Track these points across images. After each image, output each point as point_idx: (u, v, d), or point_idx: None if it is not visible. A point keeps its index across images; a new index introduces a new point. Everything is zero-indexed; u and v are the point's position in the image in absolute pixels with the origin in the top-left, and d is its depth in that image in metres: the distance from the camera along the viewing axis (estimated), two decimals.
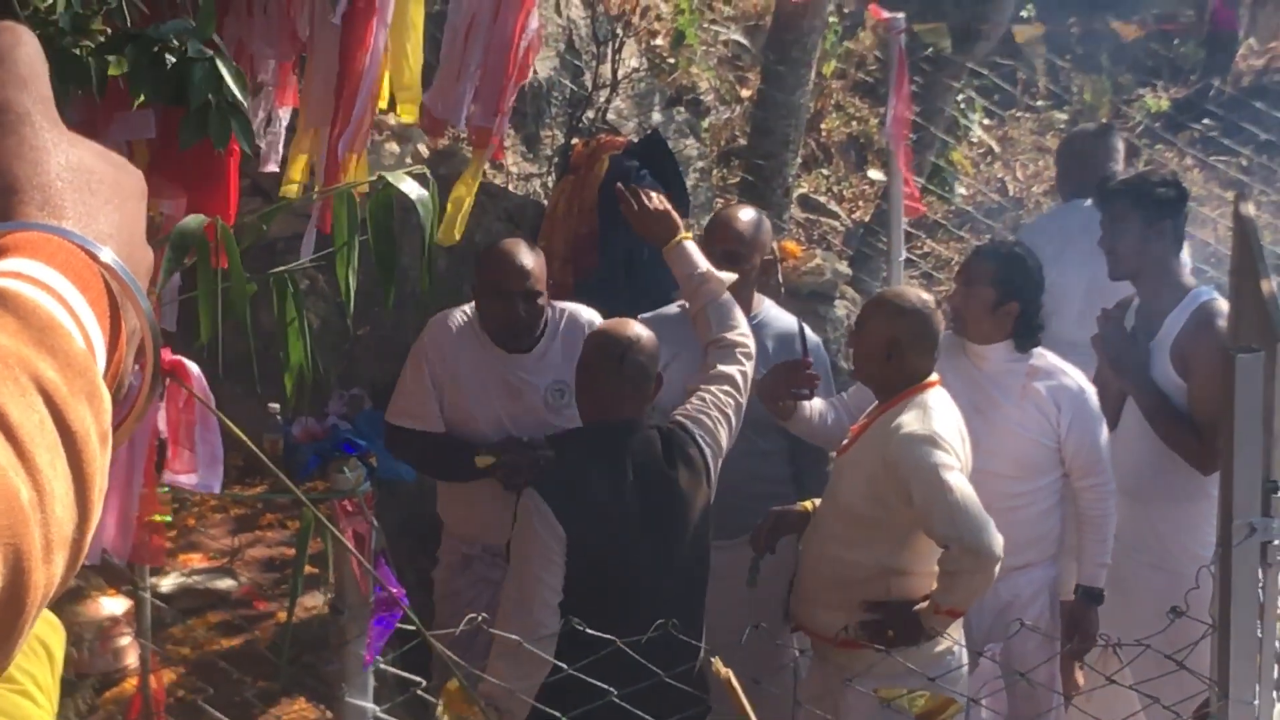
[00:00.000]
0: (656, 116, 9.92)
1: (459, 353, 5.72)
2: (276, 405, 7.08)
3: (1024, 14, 12.89)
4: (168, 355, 3.69)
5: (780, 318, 6.12)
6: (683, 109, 10.56)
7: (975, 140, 12.81)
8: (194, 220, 3.14)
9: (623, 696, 3.95)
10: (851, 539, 5.24)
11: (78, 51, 3.54)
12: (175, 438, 4.22)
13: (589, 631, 3.91)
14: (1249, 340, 3.79)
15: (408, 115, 5.31)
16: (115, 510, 4.16)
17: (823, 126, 12.22)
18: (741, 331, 5.32)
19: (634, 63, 9.94)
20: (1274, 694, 3.90)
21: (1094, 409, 5.77)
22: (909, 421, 5.15)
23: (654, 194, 5.52)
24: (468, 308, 5.84)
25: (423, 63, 5.21)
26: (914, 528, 5.13)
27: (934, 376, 5.31)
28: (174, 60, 3.52)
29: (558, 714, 4.05)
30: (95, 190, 1.05)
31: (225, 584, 6.50)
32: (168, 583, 6.32)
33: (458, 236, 5.61)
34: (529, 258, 5.64)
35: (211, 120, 3.57)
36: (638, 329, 5.09)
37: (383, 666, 3.98)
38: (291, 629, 5.42)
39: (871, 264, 10.05)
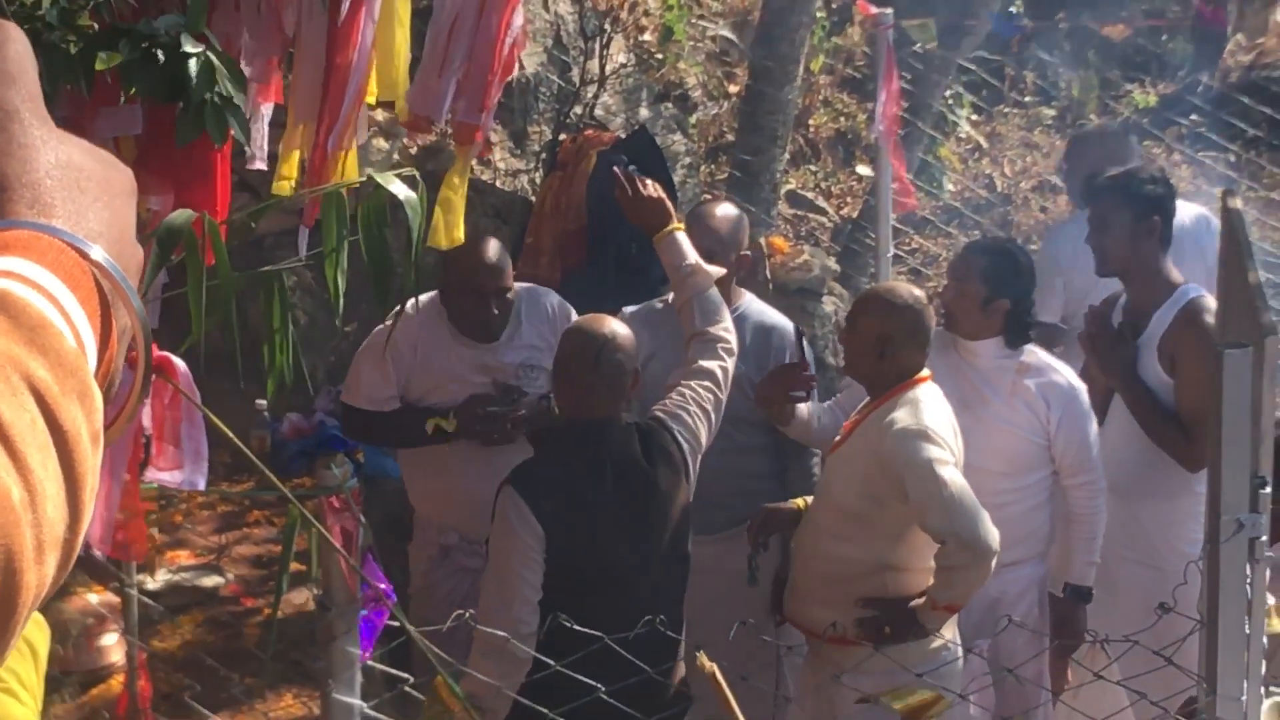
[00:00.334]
0: (644, 112, 9.91)
1: (429, 341, 5.76)
2: (264, 402, 7.08)
3: (1012, 9, 12.90)
4: (154, 352, 3.68)
5: (760, 311, 6.12)
6: (670, 105, 10.55)
7: (963, 136, 12.82)
8: (180, 215, 3.12)
9: (604, 693, 3.95)
10: (845, 535, 5.24)
11: (65, 46, 3.53)
12: (160, 434, 4.22)
13: (576, 629, 3.91)
14: (1237, 335, 3.79)
15: (400, 114, 5.30)
16: (99, 505, 4.16)
17: (811, 122, 12.23)
18: (725, 327, 5.31)
19: (622, 58, 9.94)
20: (1261, 689, 3.90)
21: (1084, 407, 5.77)
22: (902, 417, 5.15)
23: (649, 181, 5.53)
24: (428, 296, 5.82)
25: (409, 58, 5.20)
26: (909, 523, 5.14)
27: (925, 372, 5.31)
28: (165, 56, 3.51)
29: (542, 710, 4.05)
30: (85, 188, 1.04)
31: (212, 581, 6.50)
32: (154, 580, 6.31)
33: (460, 238, 5.62)
34: (496, 254, 5.71)
35: (208, 116, 3.57)
36: (614, 326, 5.09)
37: (369, 663, 3.98)
38: (278, 625, 5.42)
39: (859, 260, 10.05)
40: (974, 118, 12.92)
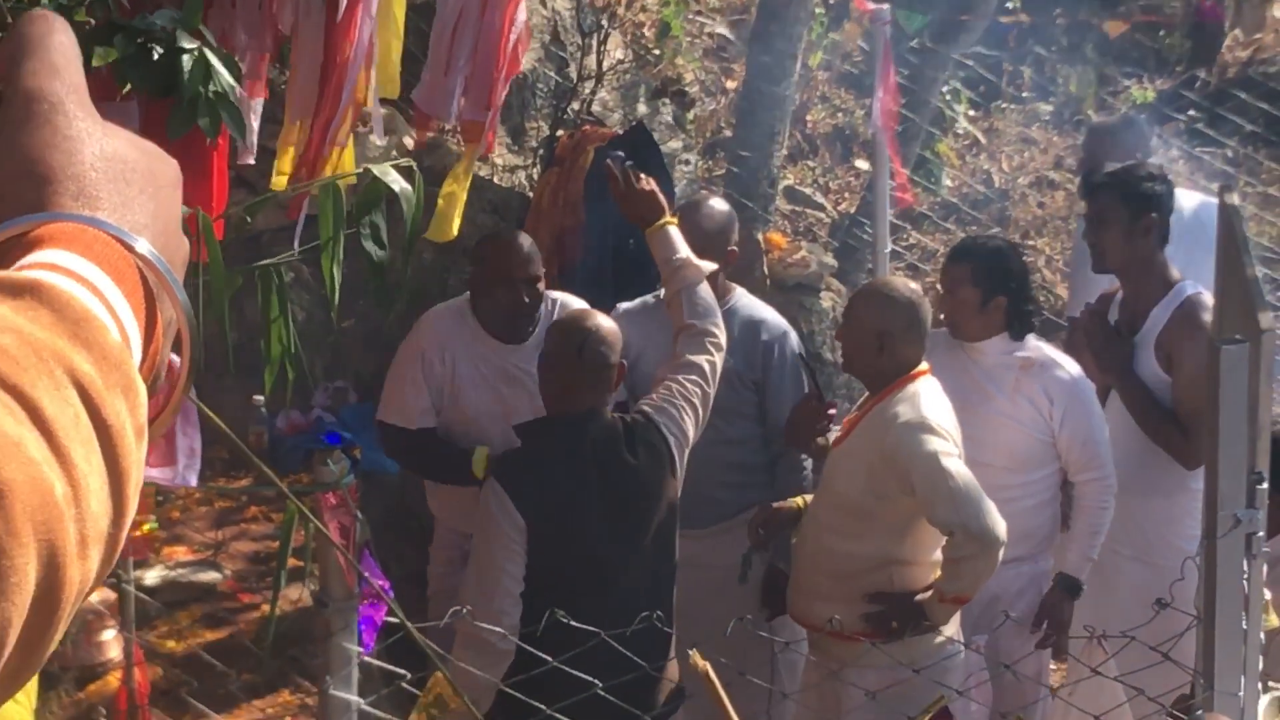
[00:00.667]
0: (642, 108, 9.91)
1: (455, 346, 5.73)
2: (261, 398, 7.07)
3: (1009, 5, 12.89)
4: None
5: (750, 306, 6.12)
6: (668, 101, 10.54)
7: (961, 132, 12.81)
8: None
9: (589, 686, 3.96)
10: (849, 530, 5.25)
11: None
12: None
13: (561, 624, 3.92)
14: (1233, 332, 3.79)
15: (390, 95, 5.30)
16: None
17: (808, 118, 12.22)
18: (714, 321, 5.31)
19: (619, 54, 9.94)
20: (1259, 685, 3.90)
21: (1088, 402, 5.76)
22: (904, 411, 5.16)
23: (642, 174, 5.53)
24: (457, 302, 5.85)
25: (402, 54, 5.21)
26: (914, 517, 5.14)
27: (924, 365, 5.32)
28: (161, 51, 3.51)
29: (526, 705, 4.06)
30: (130, 180, 1.03)
31: (209, 577, 6.50)
32: (152, 576, 6.31)
33: (454, 233, 5.61)
34: (527, 244, 5.68)
35: (202, 111, 3.57)
36: (598, 320, 5.11)
37: (366, 659, 3.98)
38: (276, 622, 5.42)
39: (857, 255, 10.04)
40: (972, 113, 12.91)
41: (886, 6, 8.41)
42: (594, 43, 9.30)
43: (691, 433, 5.16)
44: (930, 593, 5.13)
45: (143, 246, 1.00)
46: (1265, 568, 3.92)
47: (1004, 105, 13.13)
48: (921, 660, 4.78)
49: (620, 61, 9.85)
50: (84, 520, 0.87)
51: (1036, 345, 5.81)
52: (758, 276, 8.29)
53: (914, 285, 5.52)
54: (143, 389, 0.95)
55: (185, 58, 3.52)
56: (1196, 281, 5.89)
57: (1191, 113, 12.68)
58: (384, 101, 5.78)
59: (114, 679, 5.48)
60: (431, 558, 6.05)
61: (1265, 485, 3.74)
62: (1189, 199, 6.46)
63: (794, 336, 6.15)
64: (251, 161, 5.07)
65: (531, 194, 8.17)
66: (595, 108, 9.22)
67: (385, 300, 3.66)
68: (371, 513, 6.38)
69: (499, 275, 5.64)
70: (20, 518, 0.82)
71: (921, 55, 10.57)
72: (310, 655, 5.37)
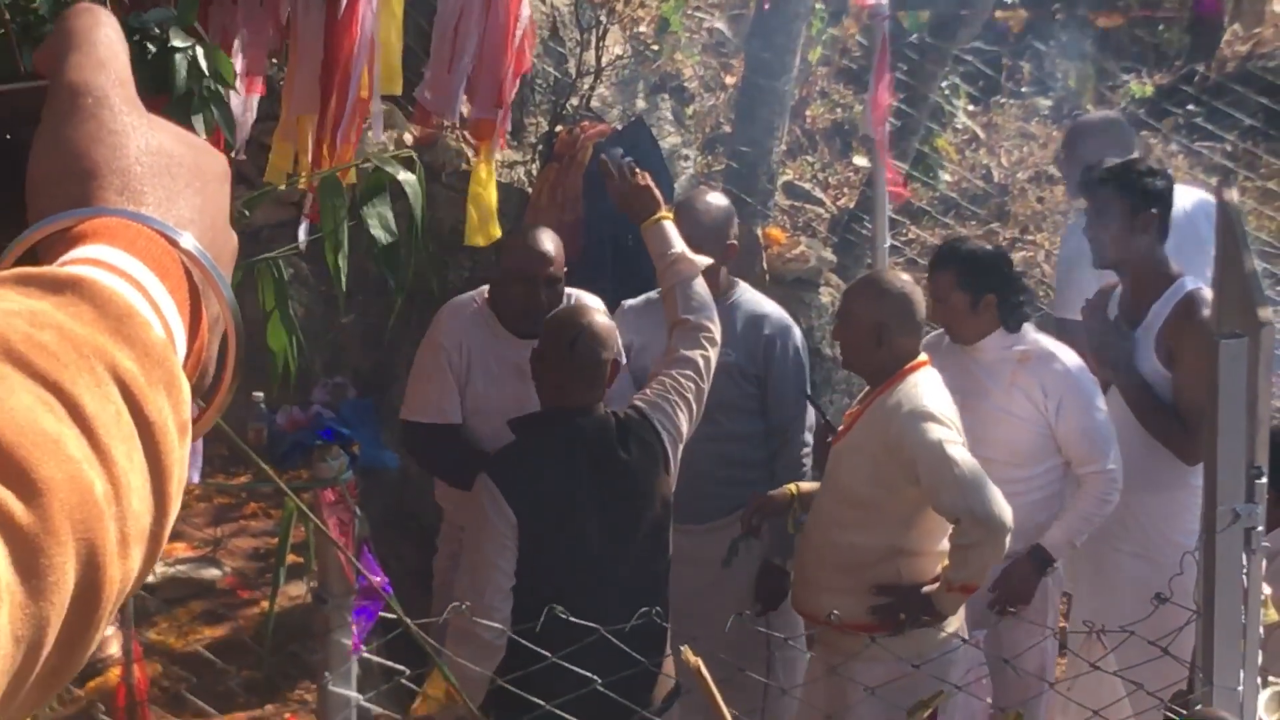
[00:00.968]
0: (641, 104, 9.91)
1: (472, 339, 5.72)
2: (261, 394, 7.07)
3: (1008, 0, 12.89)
4: None
5: (753, 301, 6.13)
6: (667, 96, 10.54)
7: (960, 127, 12.80)
8: None
9: (583, 681, 3.96)
10: (855, 523, 5.25)
11: None
12: None
13: (551, 619, 3.92)
14: (1233, 326, 3.79)
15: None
16: None
17: (807, 113, 12.21)
18: (708, 315, 5.32)
19: (618, 50, 9.93)
20: (1258, 680, 3.90)
21: (1086, 393, 5.74)
22: (906, 401, 5.18)
23: (637, 169, 5.53)
24: (476, 295, 5.84)
25: (401, 49, 5.20)
26: (920, 508, 5.15)
27: (923, 357, 5.33)
28: (155, 49, 3.51)
29: (519, 695, 4.06)
30: (175, 174, 1.03)
31: (209, 573, 6.50)
32: (152, 572, 6.30)
33: (497, 233, 5.61)
34: (551, 244, 5.66)
35: (195, 109, 3.56)
36: (591, 316, 5.12)
37: (366, 655, 3.98)
38: (275, 618, 5.42)
39: (856, 251, 10.04)
40: (971, 108, 12.90)
41: (885, 1, 8.40)
42: (593, 38, 9.29)
43: (685, 428, 5.16)
44: (938, 584, 5.14)
45: (187, 242, 0.99)
46: (1264, 562, 3.92)
47: (1003, 100, 13.13)
48: (926, 654, 4.78)
49: (619, 57, 9.85)
50: (125, 518, 0.86)
51: (1035, 338, 5.81)
52: (757, 272, 8.28)
53: (906, 277, 5.52)
54: (186, 385, 0.93)
55: (178, 56, 3.51)
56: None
57: (1190, 107, 12.68)
58: (383, 98, 5.78)
59: (114, 675, 5.48)
60: (438, 550, 6.06)
61: (1264, 480, 3.74)
62: (1184, 196, 6.44)
63: (797, 332, 6.15)
64: (242, 157, 5.07)
65: (530, 190, 8.17)
66: (594, 103, 9.22)
67: (397, 284, 3.65)
68: (371, 509, 6.38)
69: (519, 272, 5.63)
70: (59, 516, 0.81)
71: (920, 50, 10.57)
72: (310, 651, 5.37)
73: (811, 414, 5.99)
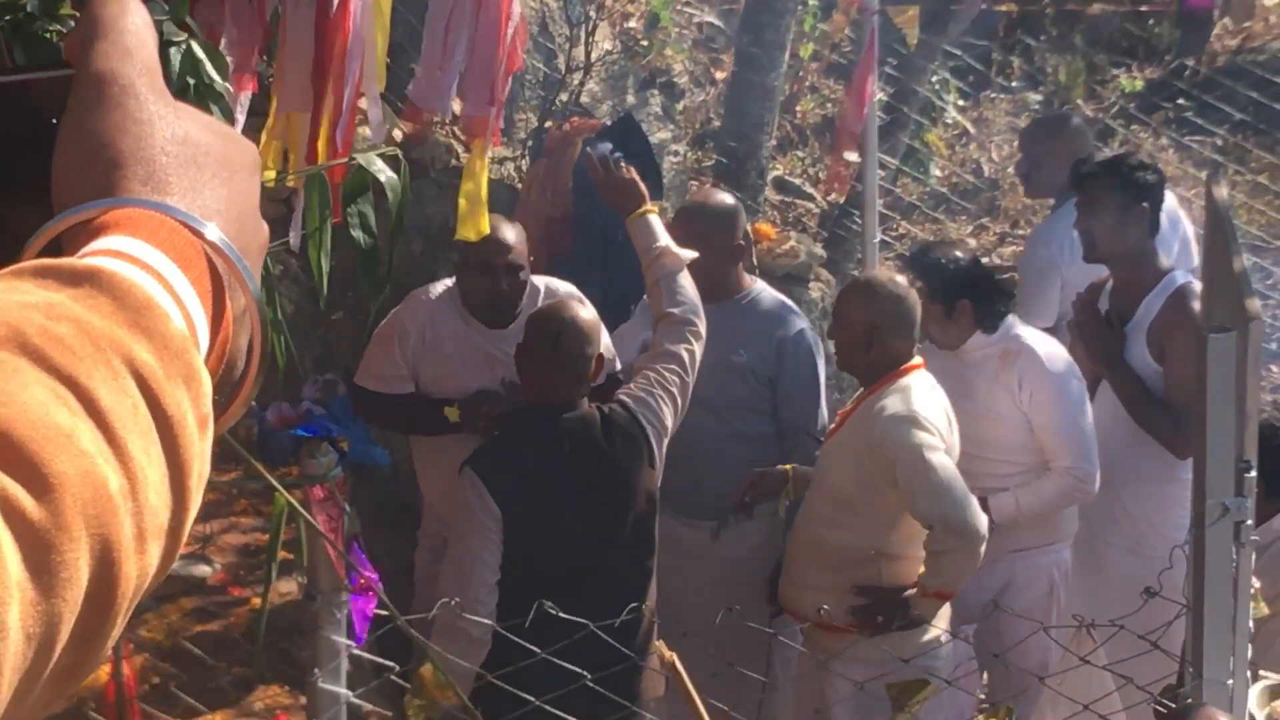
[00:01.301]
0: (630, 99, 9.90)
1: (439, 327, 5.75)
2: None
3: None
4: None
5: (768, 301, 6.13)
6: (657, 92, 10.53)
7: (950, 122, 12.80)
8: None
9: (567, 675, 3.97)
10: (840, 522, 5.25)
11: (47, 36, 3.52)
12: None
13: (550, 614, 3.92)
14: (1222, 321, 3.80)
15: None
16: None
17: (798, 109, 12.21)
18: (693, 310, 5.33)
19: (607, 45, 9.92)
20: (1247, 673, 3.91)
21: (1061, 386, 5.73)
22: (892, 403, 5.17)
23: (622, 163, 5.54)
24: (447, 282, 5.86)
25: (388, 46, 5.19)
26: (902, 510, 5.16)
27: (917, 359, 5.32)
28: None
29: (505, 690, 4.06)
30: (202, 164, 1.02)
31: (200, 570, 6.49)
32: None
33: (486, 229, 5.61)
34: (510, 232, 5.67)
35: (190, 103, 3.56)
36: (575, 311, 5.14)
37: (356, 651, 3.97)
38: (266, 615, 5.41)
39: (846, 246, 10.04)
40: (961, 103, 12.91)
41: None
42: (582, 34, 9.29)
43: (670, 422, 5.17)
44: (915, 589, 5.14)
45: (212, 233, 0.98)
46: (1253, 556, 3.92)
47: (993, 95, 13.13)
48: (907, 655, 4.78)
49: (608, 52, 9.84)
50: (141, 514, 0.85)
51: (1016, 334, 5.80)
52: (748, 267, 8.28)
53: (899, 278, 5.52)
54: (206, 379, 0.92)
55: (173, 50, 3.51)
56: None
57: (1180, 102, 12.69)
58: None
59: (104, 673, 5.47)
60: (419, 544, 6.07)
61: (1253, 473, 3.74)
62: None
63: (811, 334, 6.14)
64: None
65: (520, 185, 8.16)
66: (584, 99, 9.21)
67: (375, 288, 3.65)
68: (362, 505, 6.38)
69: (479, 262, 5.64)
70: (71, 511, 0.80)
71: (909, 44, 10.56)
72: (300, 648, 5.37)
73: (823, 415, 5.99)
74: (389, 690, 4.45)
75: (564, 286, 5.88)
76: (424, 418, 5.74)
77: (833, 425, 5.51)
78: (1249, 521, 3.75)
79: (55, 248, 0.96)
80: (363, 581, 3.80)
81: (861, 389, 5.45)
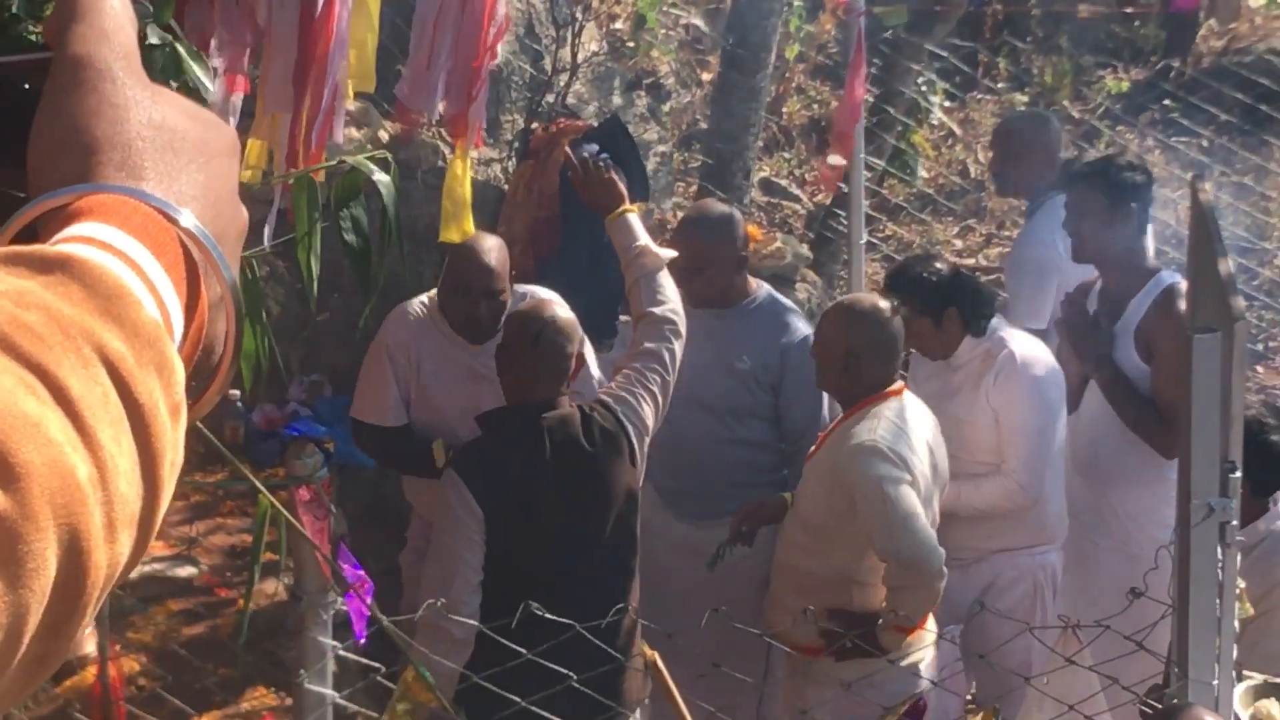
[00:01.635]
0: (617, 100, 9.90)
1: (421, 343, 5.72)
2: (237, 392, 7.05)
3: None
4: None
5: (772, 306, 6.15)
6: (643, 93, 10.54)
7: (936, 123, 12.82)
8: None
9: (552, 675, 3.97)
10: (810, 548, 5.24)
11: (32, 38, 3.52)
12: None
13: (534, 613, 3.92)
14: (1207, 321, 3.80)
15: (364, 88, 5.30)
16: None
17: (784, 110, 12.22)
18: (672, 308, 5.34)
19: (594, 46, 9.92)
20: (1233, 674, 3.91)
21: (1026, 387, 5.70)
22: (861, 432, 5.12)
23: (602, 163, 5.55)
24: (425, 298, 5.83)
25: (377, 46, 5.20)
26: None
27: (898, 384, 5.27)
28: None
29: (489, 689, 4.07)
30: (179, 150, 1.01)
31: (186, 571, 6.49)
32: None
33: (471, 230, 5.60)
34: (493, 256, 5.61)
35: None
36: (555, 310, 5.15)
37: (343, 653, 3.97)
38: (251, 616, 5.41)
39: (833, 247, 10.04)
40: (947, 104, 12.92)
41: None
42: (568, 35, 9.28)
43: (651, 421, 5.18)
44: (881, 621, 5.10)
45: (187, 220, 0.97)
46: (1239, 556, 3.93)
47: (979, 96, 13.14)
48: (879, 677, 4.76)
49: (595, 54, 9.84)
50: (112, 503, 0.84)
51: (1000, 336, 5.79)
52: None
53: (882, 302, 5.43)
54: (179, 367, 0.91)
55: (156, 53, 3.50)
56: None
57: (1166, 102, 12.71)
58: (359, 95, 5.76)
59: (90, 674, 5.47)
60: (405, 547, 6.07)
61: (1239, 474, 3.75)
62: None
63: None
64: None
65: (507, 186, 8.16)
66: (570, 100, 9.20)
67: (368, 289, 3.65)
68: (349, 506, 6.39)
69: (459, 284, 5.61)
70: (38, 501, 0.79)
71: (896, 46, 10.58)
72: (286, 649, 5.36)
73: (825, 419, 5.98)
74: (375, 691, 4.45)
75: (547, 294, 5.86)
76: (419, 462, 5.66)
77: (813, 448, 5.47)
78: (1234, 522, 3.75)
79: (31, 233, 0.95)
80: (351, 581, 3.79)
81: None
